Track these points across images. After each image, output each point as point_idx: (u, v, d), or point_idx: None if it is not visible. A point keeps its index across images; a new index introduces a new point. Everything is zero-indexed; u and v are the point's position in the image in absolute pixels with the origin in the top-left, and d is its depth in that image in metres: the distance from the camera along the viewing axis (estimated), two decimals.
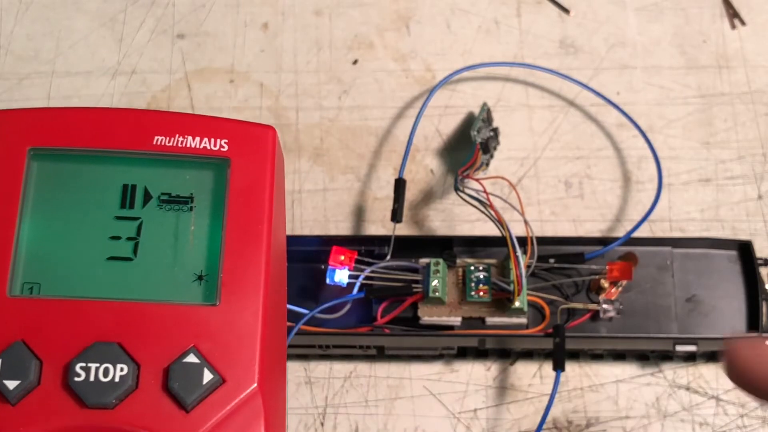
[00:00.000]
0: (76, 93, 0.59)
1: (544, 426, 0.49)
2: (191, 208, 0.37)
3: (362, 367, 0.53)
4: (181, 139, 0.37)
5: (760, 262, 0.52)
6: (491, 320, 0.50)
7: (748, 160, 0.58)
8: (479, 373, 0.53)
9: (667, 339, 0.50)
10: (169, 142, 0.37)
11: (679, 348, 0.51)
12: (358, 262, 0.51)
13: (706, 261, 0.53)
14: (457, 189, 0.50)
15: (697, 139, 0.58)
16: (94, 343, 0.34)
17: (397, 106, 0.59)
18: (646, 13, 0.62)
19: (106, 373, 0.33)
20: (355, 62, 0.61)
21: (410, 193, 0.56)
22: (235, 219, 0.36)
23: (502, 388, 0.52)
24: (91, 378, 0.33)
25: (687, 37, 0.61)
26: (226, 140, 0.37)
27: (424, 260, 0.51)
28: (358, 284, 0.51)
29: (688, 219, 0.56)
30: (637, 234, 0.53)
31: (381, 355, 0.52)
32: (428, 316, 0.50)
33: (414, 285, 0.50)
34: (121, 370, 0.33)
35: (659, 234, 0.56)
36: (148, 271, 0.36)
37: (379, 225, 0.56)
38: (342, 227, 0.56)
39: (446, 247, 0.52)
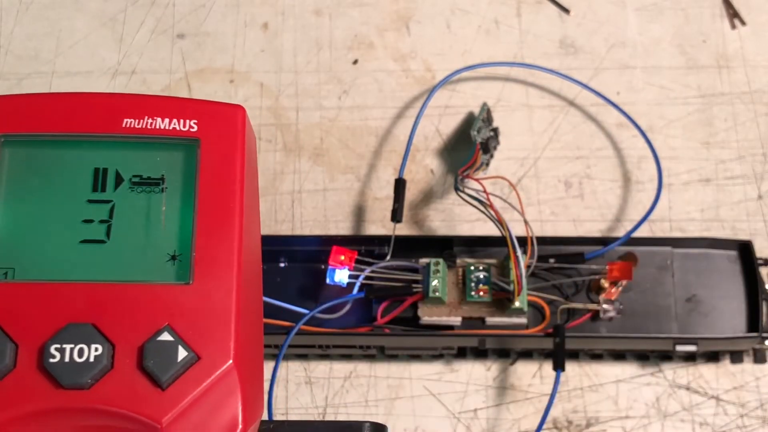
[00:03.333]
0: None
1: (544, 426, 0.49)
2: (163, 190, 0.37)
3: (362, 367, 0.53)
4: (150, 120, 0.37)
5: (760, 262, 0.52)
6: (491, 320, 0.50)
7: (748, 160, 0.58)
8: (479, 373, 0.53)
9: (667, 339, 0.50)
10: (138, 124, 0.37)
11: (679, 348, 0.51)
12: (358, 262, 0.51)
13: (706, 261, 0.53)
14: (457, 189, 0.50)
15: (697, 139, 0.58)
16: (68, 325, 0.34)
17: (397, 106, 0.59)
18: (646, 13, 0.62)
19: (80, 353, 0.33)
20: (355, 62, 0.61)
21: (410, 193, 0.56)
22: (206, 199, 0.36)
23: (502, 388, 0.52)
24: (66, 359, 0.33)
25: (687, 37, 0.61)
26: (196, 121, 0.37)
27: (424, 260, 0.51)
28: (358, 284, 0.51)
29: (688, 219, 0.56)
30: (637, 234, 0.53)
31: (381, 355, 0.52)
32: (428, 316, 0.50)
33: (414, 285, 0.50)
34: (96, 350, 0.34)
35: (659, 234, 0.56)
36: (122, 253, 0.36)
37: (379, 225, 0.56)
38: (342, 227, 0.56)
39: (446, 247, 0.52)
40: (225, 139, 0.37)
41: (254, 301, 0.38)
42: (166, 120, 0.37)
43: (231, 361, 0.34)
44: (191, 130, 0.37)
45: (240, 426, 0.34)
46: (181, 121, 0.37)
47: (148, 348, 0.34)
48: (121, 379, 0.33)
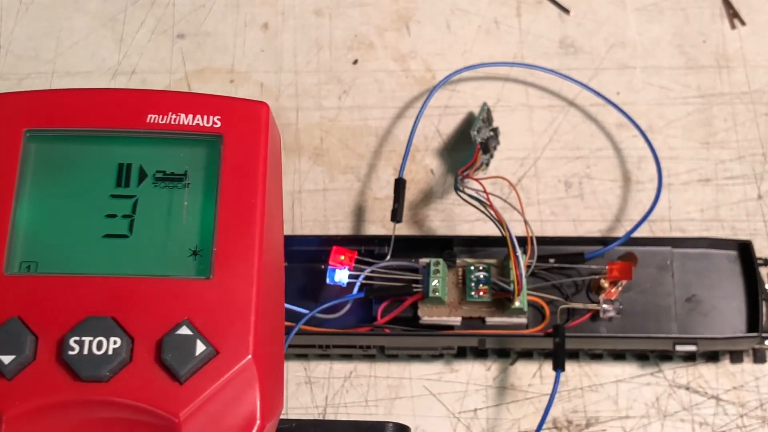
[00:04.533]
0: None
1: (544, 426, 0.49)
2: (186, 185, 0.37)
3: (362, 367, 0.53)
4: (174, 116, 0.37)
5: (760, 262, 0.52)
6: (491, 320, 0.50)
7: (748, 160, 0.58)
8: (479, 373, 0.53)
9: (667, 339, 0.51)
10: (162, 120, 0.37)
11: (679, 348, 0.51)
12: (358, 262, 0.51)
13: (706, 261, 0.53)
14: (457, 189, 0.50)
15: (697, 139, 0.58)
16: (88, 318, 0.34)
17: (397, 106, 0.59)
18: (646, 13, 0.62)
19: (99, 346, 0.33)
20: (355, 62, 0.61)
21: (410, 193, 0.56)
22: (228, 194, 0.36)
23: (502, 388, 0.52)
24: (85, 351, 0.33)
25: (687, 37, 0.61)
26: (219, 117, 0.37)
27: (424, 260, 0.51)
28: (358, 284, 0.51)
29: (688, 219, 0.56)
30: (637, 234, 0.53)
31: (381, 355, 0.52)
32: (428, 316, 0.50)
33: (414, 285, 0.50)
34: (115, 343, 0.34)
35: (659, 234, 0.56)
36: (144, 248, 0.36)
37: (379, 225, 0.56)
38: (342, 227, 0.56)
39: (446, 247, 0.52)
40: (248, 135, 0.37)
41: (275, 297, 0.38)
42: (190, 116, 0.37)
43: (250, 356, 0.34)
44: (214, 126, 0.37)
45: (258, 421, 0.34)
46: (205, 117, 0.37)
47: (167, 342, 0.34)
48: (139, 373, 0.33)
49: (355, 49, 0.61)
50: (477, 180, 0.51)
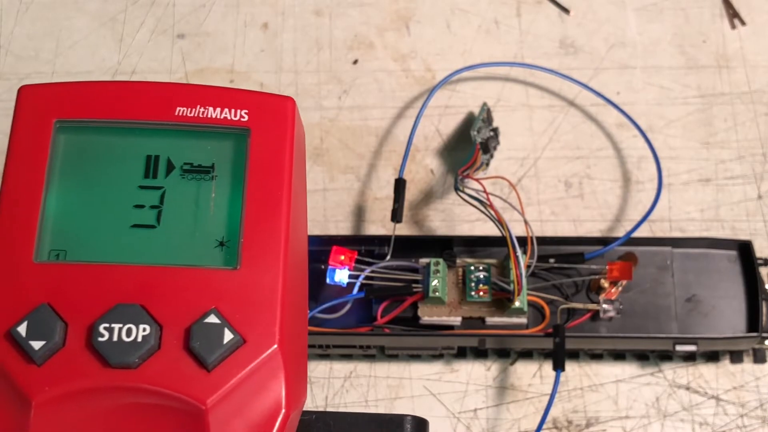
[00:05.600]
0: None
1: (544, 426, 0.49)
2: (213, 177, 0.37)
3: (362, 367, 0.53)
4: (202, 109, 0.38)
5: (760, 262, 0.52)
6: (491, 320, 0.50)
7: (748, 160, 0.58)
8: (479, 373, 0.53)
9: (667, 339, 0.51)
10: (190, 112, 0.38)
11: (679, 348, 0.51)
12: (358, 262, 0.51)
13: (706, 261, 0.53)
14: (457, 189, 0.50)
15: (697, 139, 0.58)
16: (117, 305, 0.34)
17: (397, 106, 0.59)
18: (646, 13, 0.62)
19: (128, 333, 0.34)
20: (355, 62, 0.61)
21: (410, 193, 0.56)
22: (255, 187, 0.37)
23: (502, 388, 0.52)
24: (114, 338, 0.34)
25: (687, 37, 0.61)
26: (246, 111, 0.38)
27: (424, 260, 0.51)
28: (358, 284, 0.51)
29: (688, 219, 0.56)
30: (637, 234, 0.53)
31: (381, 355, 0.52)
32: (428, 316, 0.50)
33: (414, 285, 0.50)
34: (144, 330, 0.34)
35: (659, 234, 0.56)
36: (171, 238, 0.36)
37: (379, 225, 0.56)
38: (342, 227, 0.56)
39: (446, 247, 0.52)
40: (274, 129, 0.38)
41: (300, 287, 0.39)
42: (218, 109, 0.38)
43: (276, 345, 0.34)
44: (242, 119, 0.38)
45: (283, 409, 0.34)
46: (233, 110, 0.38)
47: (195, 330, 0.34)
48: (167, 360, 0.34)
49: (355, 49, 0.61)
50: (477, 180, 0.51)
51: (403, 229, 0.55)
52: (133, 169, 0.37)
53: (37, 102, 0.38)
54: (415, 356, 0.53)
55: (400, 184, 0.52)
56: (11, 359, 0.34)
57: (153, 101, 0.38)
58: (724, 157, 0.58)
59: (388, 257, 0.51)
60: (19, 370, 0.34)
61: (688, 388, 0.52)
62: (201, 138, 0.38)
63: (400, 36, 0.61)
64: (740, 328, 0.51)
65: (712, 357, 0.53)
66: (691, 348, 0.51)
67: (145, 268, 0.35)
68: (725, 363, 0.53)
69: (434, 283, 0.50)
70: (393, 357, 0.53)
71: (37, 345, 0.34)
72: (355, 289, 0.51)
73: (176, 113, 0.38)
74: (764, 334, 0.51)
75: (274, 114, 0.38)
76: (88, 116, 0.38)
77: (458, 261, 0.51)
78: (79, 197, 0.37)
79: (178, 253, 0.36)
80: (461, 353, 0.53)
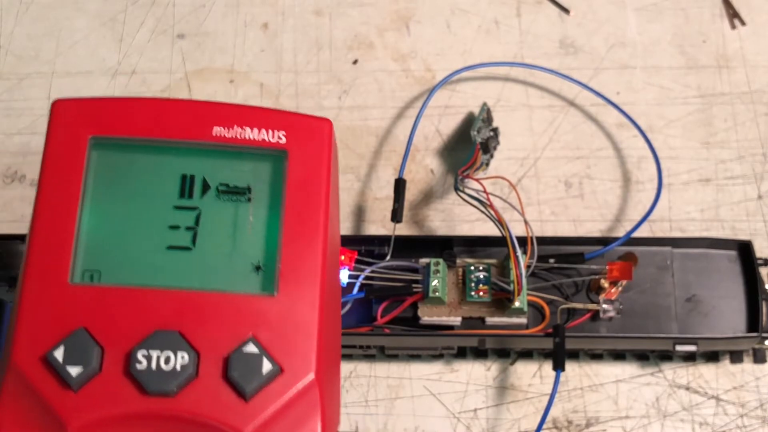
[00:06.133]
0: (76, 93, 0.59)
1: (544, 426, 0.49)
2: (249, 199, 0.37)
3: (362, 367, 0.53)
4: (240, 130, 0.37)
5: (760, 262, 0.52)
6: (491, 320, 0.50)
7: (748, 160, 0.58)
8: (479, 373, 0.53)
9: (667, 339, 0.50)
10: (228, 133, 0.37)
11: (679, 348, 0.51)
12: (358, 262, 0.51)
13: (706, 261, 0.53)
14: (457, 189, 0.50)
15: (697, 139, 0.58)
16: (156, 331, 0.34)
17: (397, 106, 0.59)
18: (646, 13, 0.62)
19: (167, 361, 0.34)
20: (355, 62, 0.61)
21: (410, 193, 0.56)
22: (292, 210, 0.36)
23: (502, 388, 0.52)
24: (153, 366, 0.34)
25: (687, 37, 0.61)
26: (284, 132, 0.37)
27: (424, 260, 0.51)
28: (358, 284, 0.51)
29: (688, 219, 0.56)
30: (637, 234, 0.53)
31: (381, 355, 0.52)
32: (428, 316, 0.50)
33: (414, 285, 0.50)
34: (182, 358, 0.34)
35: (659, 234, 0.56)
36: (207, 261, 0.36)
37: (379, 225, 0.56)
38: (342, 227, 0.56)
39: (446, 247, 0.52)
40: (312, 151, 0.37)
41: (334, 312, 0.38)
42: (255, 130, 0.37)
43: (313, 375, 0.34)
44: (280, 141, 0.37)
45: None
46: (270, 131, 0.37)
47: (234, 359, 0.34)
48: (205, 388, 0.34)
49: (355, 49, 0.61)
50: (477, 180, 0.51)
51: (403, 229, 0.55)
52: (168, 189, 0.37)
53: (71, 118, 0.37)
54: (415, 356, 0.53)
55: (400, 184, 0.52)
56: (47, 384, 0.33)
57: (190, 120, 0.37)
58: (724, 157, 0.58)
59: (388, 257, 0.51)
60: (56, 395, 0.33)
61: (688, 388, 0.52)
62: (238, 159, 0.37)
63: (400, 36, 0.61)
64: (740, 328, 0.51)
65: (712, 357, 0.53)
66: (691, 348, 0.50)
67: (181, 293, 0.35)
68: (725, 363, 0.53)
69: (434, 283, 0.50)
70: (393, 357, 0.53)
71: (74, 371, 0.33)
72: (355, 289, 0.51)
73: (213, 133, 0.37)
74: (764, 334, 0.51)
75: (312, 136, 0.38)
76: (124, 133, 0.37)
77: (458, 261, 0.51)
78: (114, 216, 0.36)
79: (214, 277, 0.36)
80: (461, 353, 0.53)
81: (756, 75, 0.60)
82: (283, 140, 0.37)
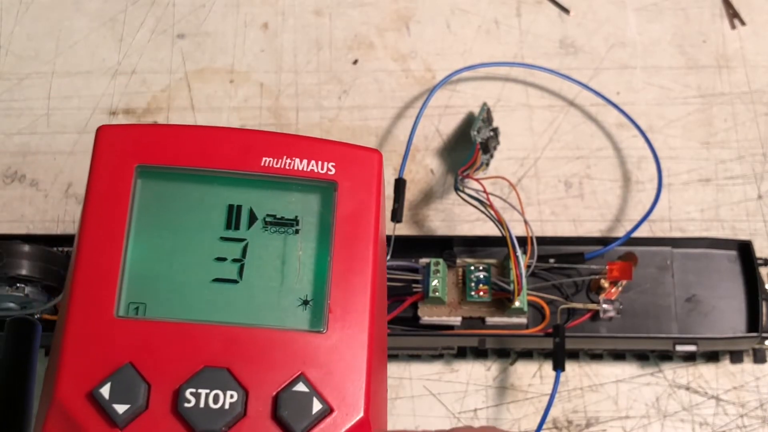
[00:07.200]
0: (76, 93, 0.59)
1: (544, 426, 0.49)
2: (296, 231, 0.36)
3: None
4: (288, 161, 0.37)
5: (760, 262, 0.52)
6: (491, 320, 0.50)
7: (748, 160, 0.58)
8: (479, 373, 0.53)
9: (667, 339, 0.51)
10: (276, 163, 0.37)
11: (679, 348, 0.51)
12: None
13: (706, 261, 0.53)
14: (457, 189, 0.50)
15: (697, 139, 0.58)
16: (204, 368, 0.33)
17: (397, 106, 0.59)
18: (646, 13, 0.62)
19: (216, 399, 0.33)
20: (355, 62, 0.61)
21: (410, 193, 0.56)
22: (341, 243, 0.36)
23: (502, 388, 0.52)
24: (201, 404, 0.33)
25: (687, 37, 0.61)
26: (333, 163, 0.37)
27: (424, 260, 0.51)
28: None
29: (688, 219, 0.56)
30: (637, 234, 0.53)
31: None
32: (428, 316, 0.50)
33: (414, 285, 0.50)
34: (231, 396, 0.33)
35: (659, 234, 0.56)
36: (254, 294, 0.35)
37: None
38: None
39: (446, 247, 0.52)
40: (362, 183, 0.37)
41: (382, 351, 0.38)
42: (305, 161, 0.37)
43: (362, 415, 0.34)
44: (329, 173, 0.37)
45: None
46: (319, 163, 0.37)
47: (283, 398, 0.33)
48: (254, 428, 0.33)
49: (355, 49, 0.61)
50: (477, 180, 0.51)
51: (403, 229, 0.55)
52: (215, 219, 0.36)
53: (117, 145, 0.36)
54: (415, 356, 0.53)
55: (400, 184, 0.52)
56: (93, 422, 0.33)
57: (238, 150, 0.36)
58: (724, 157, 0.58)
59: (388, 257, 0.51)
60: None
61: (688, 388, 0.52)
62: (286, 190, 0.37)
63: (400, 36, 0.61)
64: (740, 328, 0.51)
65: (712, 357, 0.53)
66: (691, 348, 0.51)
67: (229, 329, 0.34)
68: (725, 363, 0.53)
69: (434, 283, 0.50)
70: (393, 357, 0.53)
71: (120, 409, 0.33)
72: None
73: (262, 164, 0.36)
74: (764, 334, 0.51)
75: (361, 167, 0.37)
76: (171, 162, 0.36)
77: (458, 261, 0.51)
78: (159, 247, 0.36)
79: (262, 312, 0.35)
80: (461, 353, 0.53)
81: (756, 75, 0.60)
82: (333, 171, 0.37)
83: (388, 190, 0.56)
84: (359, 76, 0.60)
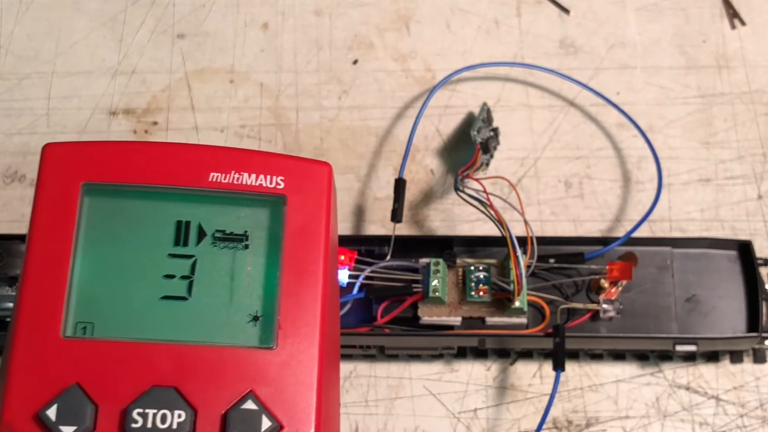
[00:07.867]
0: (76, 93, 0.59)
1: (544, 426, 0.49)
2: (246, 246, 0.36)
3: (362, 367, 0.53)
4: (237, 175, 0.36)
5: (760, 262, 0.52)
6: (491, 320, 0.50)
7: (748, 160, 0.58)
8: (479, 373, 0.53)
9: (667, 339, 0.51)
10: (224, 178, 0.36)
11: (679, 348, 0.51)
12: (358, 262, 0.51)
13: (706, 261, 0.53)
14: (457, 189, 0.50)
15: (697, 139, 0.58)
16: (152, 388, 0.33)
17: (397, 106, 0.59)
18: (646, 13, 0.62)
19: (163, 419, 0.33)
20: (355, 62, 0.61)
21: (410, 193, 0.56)
22: (291, 258, 0.35)
23: (502, 388, 0.52)
24: (149, 424, 0.33)
25: (687, 37, 0.61)
26: (282, 177, 0.36)
27: (424, 260, 0.51)
28: (358, 284, 0.51)
29: (688, 219, 0.56)
30: (637, 234, 0.53)
31: (381, 355, 0.52)
32: (428, 316, 0.50)
33: (414, 285, 0.50)
34: (179, 416, 0.33)
35: (659, 234, 0.56)
36: (203, 312, 0.35)
37: (379, 225, 0.56)
38: (342, 227, 0.56)
39: (446, 247, 0.52)
40: (311, 197, 0.36)
41: (334, 366, 0.37)
42: (253, 176, 0.36)
43: (313, 430, 0.33)
44: (278, 187, 0.36)
45: None
46: (268, 177, 0.36)
47: (232, 416, 0.33)
48: None
49: (355, 49, 0.61)
50: (477, 180, 0.51)
51: (403, 229, 0.55)
52: (163, 236, 0.36)
53: (63, 163, 0.36)
54: (415, 356, 0.53)
55: (400, 184, 0.52)
56: None
57: (186, 165, 0.36)
58: (724, 157, 0.58)
59: (388, 257, 0.51)
60: None
61: (688, 388, 0.52)
62: (235, 205, 0.36)
63: (400, 36, 0.61)
64: (740, 328, 0.51)
65: (712, 357, 0.53)
66: (691, 348, 0.51)
67: (178, 347, 0.34)
68: (725, 363, 0.53)
69: (434, 283, 0.50)
70: (393, 357, 0.53)
71: (67, 430, 0.32)
72: (355, 289, 0.51)
73: (210, 179, 0.36)
74: (764, 334, 0.51)
75: (311, 180, 0.37)
76: (118, 179, 0.36)
77: (458, 261, 0.51)
78: (107, 265, 0.35)
79: (211, 329, 0.35)
80: (461, 353, 0.53)
81: (756, 75, 0.60)
82: (282, 185, 0.36)
83: (381, 192, 0.56)
84: (359, 76, 0.60)
